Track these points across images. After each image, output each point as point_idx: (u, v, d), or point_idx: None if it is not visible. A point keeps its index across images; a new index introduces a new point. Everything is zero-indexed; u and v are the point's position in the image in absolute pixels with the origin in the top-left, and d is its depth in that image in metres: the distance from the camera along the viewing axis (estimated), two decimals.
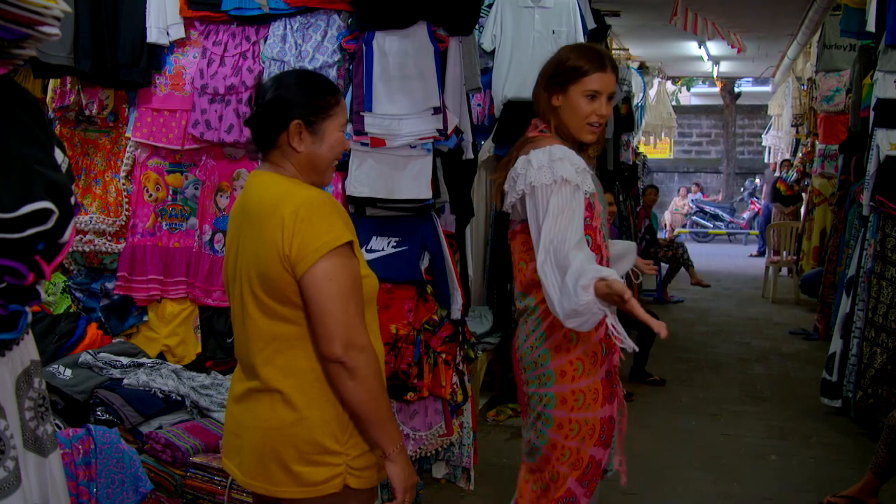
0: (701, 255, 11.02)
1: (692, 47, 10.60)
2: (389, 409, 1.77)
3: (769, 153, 13.00)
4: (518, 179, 2.10)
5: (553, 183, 2.03)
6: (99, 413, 2.94)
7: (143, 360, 3.29)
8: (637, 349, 1.99)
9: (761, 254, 12.05)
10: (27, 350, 1.49)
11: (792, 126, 10.59)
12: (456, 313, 3.20)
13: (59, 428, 2.68)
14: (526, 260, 2.16)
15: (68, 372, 3.04)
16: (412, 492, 1.79)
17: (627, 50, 9.72)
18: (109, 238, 3.66)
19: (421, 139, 3.05)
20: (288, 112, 1.75)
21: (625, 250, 2.44)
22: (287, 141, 1.77)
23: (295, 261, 1.67)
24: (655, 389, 5.32)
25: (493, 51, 4.73)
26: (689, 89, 17.04)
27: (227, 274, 1.89)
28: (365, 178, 3.08)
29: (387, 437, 1.74)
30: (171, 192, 3.60)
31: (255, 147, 1.83)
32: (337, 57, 3.20)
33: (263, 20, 3.33)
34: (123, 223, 3.63)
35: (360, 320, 1.71)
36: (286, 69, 3.21)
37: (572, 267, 1.93)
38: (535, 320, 2.16)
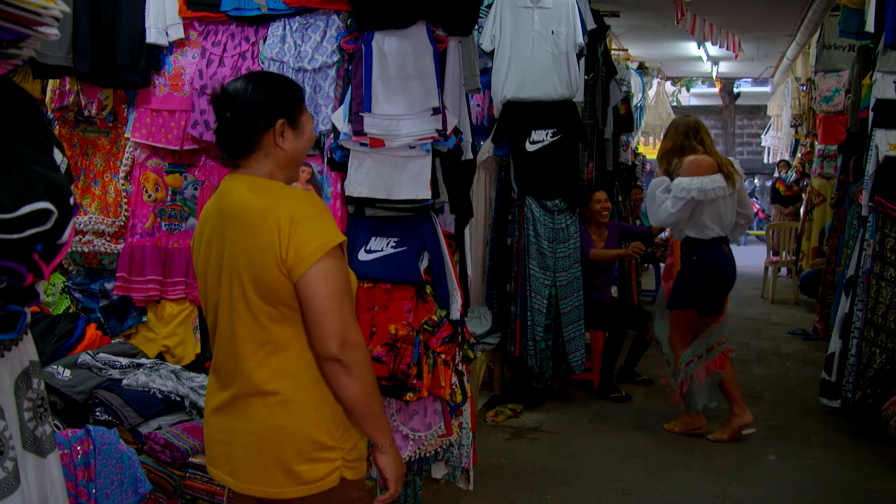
0: None
1: (691, 48, 10.61)
2: (382, 403, 1.82)
3: (768, 153, 12.99)
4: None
5: None
6: (98, 413, 2.93)
7: (143, 360, 3.29)
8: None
9: None
10: (26, 351, 1.49)
11: (791, 126, 10.59)
12: (455, 313, 3.19)
13: (58, 428, 2.68)
14: None
15: (67, 372, 3.03)
16: (402, 481, 1.85)
17: (626, 50, 9.71)
18: (108, 238, 3.66)
19: (420, 139, 3.04)
20: (271, 113, 1.78)
21: None
22: (273, 141, 1.79)
23: (292, 264, 1.69)
24: (655, 389, 5.31)
25: (493, 51, 4.72)
26: (688, 90, 17.01)
27: (204, 280, 1.87)
28: (364, 179, 3.07)
29: (379, 431, 1.79)
30: (170, 192, 3.60)
31: (228, 155, 1.83)
32: (336, 57, 3.19)
33: (262, 21, 3.33)
34: (122, 224, 3.63)
35: (353, 318, 1.75)
36: (286, 70, 3.21)
37: None
38: None
